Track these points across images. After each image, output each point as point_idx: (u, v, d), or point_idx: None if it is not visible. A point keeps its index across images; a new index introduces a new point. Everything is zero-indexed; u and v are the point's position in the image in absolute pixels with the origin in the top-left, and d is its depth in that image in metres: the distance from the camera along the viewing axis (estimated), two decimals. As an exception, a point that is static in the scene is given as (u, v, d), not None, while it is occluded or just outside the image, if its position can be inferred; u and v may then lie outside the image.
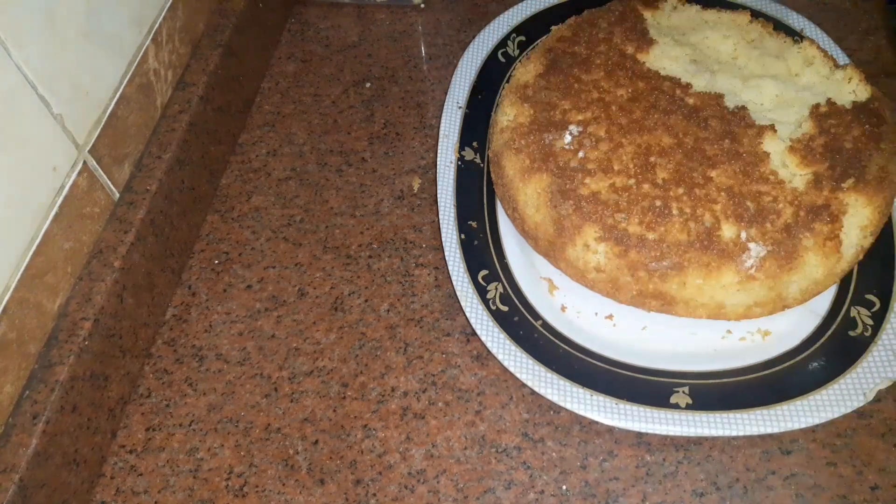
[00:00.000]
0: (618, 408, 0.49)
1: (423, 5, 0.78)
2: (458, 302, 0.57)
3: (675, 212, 0.51)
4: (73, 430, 0.48)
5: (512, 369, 0.51)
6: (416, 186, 0.65)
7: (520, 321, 0.53)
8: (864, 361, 0.50)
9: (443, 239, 0.57)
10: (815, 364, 0.51)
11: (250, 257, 0.61)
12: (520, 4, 0.71)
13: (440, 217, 0.58)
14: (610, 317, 0.55)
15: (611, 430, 0.51)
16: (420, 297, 0.58)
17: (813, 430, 0.50)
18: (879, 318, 0.52)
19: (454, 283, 0.55)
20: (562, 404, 0.49)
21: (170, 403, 0.54)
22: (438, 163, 0.61)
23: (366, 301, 0.58)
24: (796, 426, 0.47)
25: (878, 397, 0.50)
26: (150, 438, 0.52)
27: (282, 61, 0.75)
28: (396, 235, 0.62)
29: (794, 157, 0.53)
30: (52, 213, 0.49)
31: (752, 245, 0.49)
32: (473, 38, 0.69)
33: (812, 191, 0.51)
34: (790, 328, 0.53)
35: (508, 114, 0.58)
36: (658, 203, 0.51)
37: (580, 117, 0.56)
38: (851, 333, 0.51)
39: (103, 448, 0.51)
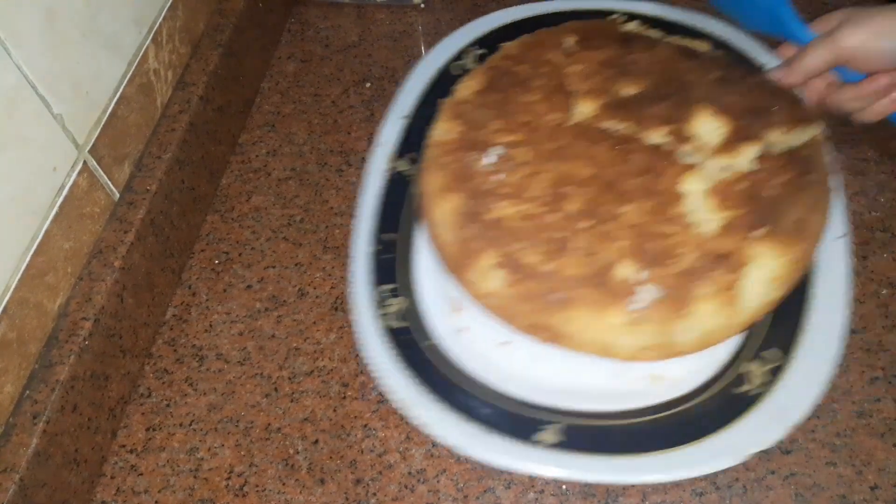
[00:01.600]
0: (484, 439, 0.48)
1: (423, 5, 0.78)
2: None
3: (574, 245, 0.50)
4: (74, 430, 0.48)
5: (387, 389, 0.51)
6: (416, 186, 0.65)
7: (410, 340, 0.53)
8: (746, 420, 0.48)
9: (351, 248, 0.57)
10: (693, 418, 0.48)
11: (250, 257, 0.61)
12: (485, 17, 0.70)
13: (354, 226, 0.58)
14: (506, 343, 0.53)
15: (611, 429, 0.51)
16: (420, 297, 0.58)
17: (812, 429, 0.50)
18: (775, 377, 0.49)
19: (351, 295, 0.55)
20: (427, 428, 0.49)
21: (170, 403, 0.54)
22: (368, 171, 0.61)
23: (366, 301, 0.58)
24: (657, 479, 0.46)
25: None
26: (151, 438, 0.52)
27: (282, 61, 0.75)
28: (396, 235, 0.62)
29: (713, 201, 0.50)
30: (52, 213, 0.49)
31: (644, 287, 0.48)
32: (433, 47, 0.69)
33: (720, 237, 0.49)
34: (684, 376, 0.51)
35: (439, 129, 0.57)
36: (560, 235, 0.50)
37: (507, 139, 0.55)
38: (741, 389, 0.49)
39: (103, 448, 0.51)
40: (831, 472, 0.48)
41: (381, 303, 0.55)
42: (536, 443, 0.48)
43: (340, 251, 0.61)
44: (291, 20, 0.79)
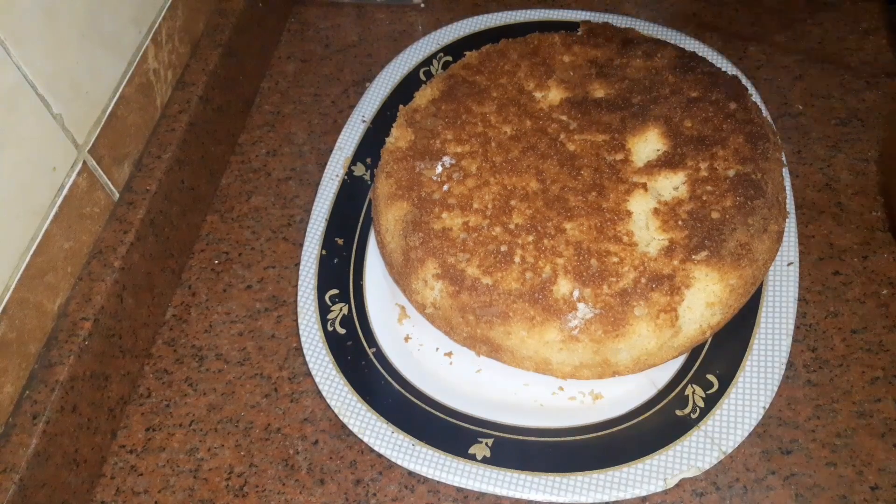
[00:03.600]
0: (413, 449, 0.48)
1: (423, 5, 0.78)
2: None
3: (516, 259, 0.49)
4: (73, 430, 0.48)
5: (325, 393, 0.51)
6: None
7: (352, 346, 0.53)
8: (679, 445, 0.47)
9: (302, 252, 0.57)
10: (631, 438, 0.48)
11: (250, 257, 0.61)
12: (455, 24, 0.70)
13: (307, 229, 0.58)
14: (449, 354, 0.53)
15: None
16: (420, 297, 0.58)
17: (813, 429, 0.50)
18: (713, 402, 0.48)
19: (298, 298, 0.55)
20: (360, 436, 0.49)
21: (170, 403, 0.54)
22: (324, 175, 0.61)
23: (366, 301, 0.58)
24: (582, 500, 0.45)
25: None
26: (150, 438, 0.52)
27: (282, 61, 0.75)
28: (396, 235, 0.62)
29: (657, 221, 0.50)
30: (52, 213, 0.49)
31: (581, 305, 0.47)
32: (399, 53, 0.69)
33: (663, 258, 0.49)
34: (623, 395, 0.50)
35: (393, 136, 0.58)
36: (502, 248, 0.50)
37: (458, 149, 0.55)
38: (678, 413, 0.48)
39: (103, 448, 0.51)
40: (831, 472, 0.48)
41: (326, 307, 0.55)
42: (469, 456, 0.47)
43: (340, 251, 0.61)
44: (291, 20, 0.79)
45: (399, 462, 0.48)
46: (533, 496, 0.46)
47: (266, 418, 0.53)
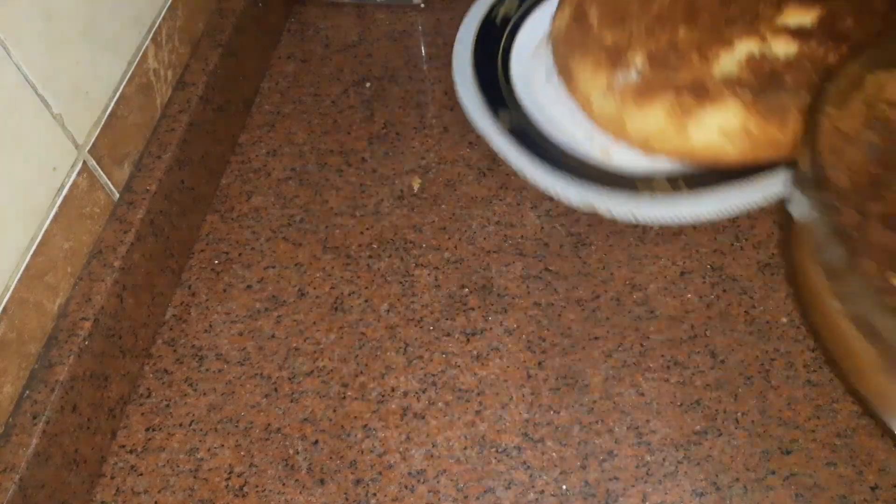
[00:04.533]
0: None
1: (423, 5, 0.78)
2: (457, 300, 0.57)
3: (623, 27, 0.59)
4: (73, 430, 0.48)
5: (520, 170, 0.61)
6: (416, 186, 0.65)
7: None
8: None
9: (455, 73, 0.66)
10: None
11: (250, 257, 0.61)
12: None
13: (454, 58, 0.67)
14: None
15: (611, 429, 0.51)
16: (420, 297, 0.58)
17: (813, 429, 0.50)
18: None
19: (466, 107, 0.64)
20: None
21: (170, 403, 0.54)
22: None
23: (366, 301, 0.58)
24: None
25: None
26: (150, 438, 0.52)
27: (282, 61, 0.75)
28: (396, 235, 0.62)
29: (745, 62, 0.56)
30: (52, 213, 0.49)
31: (633, 72, 0.56)
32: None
33: (718, 81, 0.55)
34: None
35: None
36: (624, 18, 0.59)
37: None
38: None
39: (103, 448, 0.51)
40: (832, 472, 0.48)
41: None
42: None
43: (340, 251, 0.61)
44: (291, 20, 0.79)
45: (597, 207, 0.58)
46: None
47: (266, 418, 0.53)
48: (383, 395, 0.53)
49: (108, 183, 0.55)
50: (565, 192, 0.59)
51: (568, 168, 0.60)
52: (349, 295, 0.59)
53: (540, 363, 0.54)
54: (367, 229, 0.62)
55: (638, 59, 0.57)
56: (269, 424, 0.53)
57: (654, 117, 0.57)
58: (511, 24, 0.71)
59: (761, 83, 0.55)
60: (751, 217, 0.59)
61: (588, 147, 0.62)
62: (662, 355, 0.53)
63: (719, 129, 0.55)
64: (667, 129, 0.57)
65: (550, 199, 0.62)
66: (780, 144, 0.55)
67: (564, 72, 0.63)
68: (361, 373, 0.54)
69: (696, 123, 0.56)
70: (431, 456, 0.51)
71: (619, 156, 0.61)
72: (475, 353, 0.55)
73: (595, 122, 0.62)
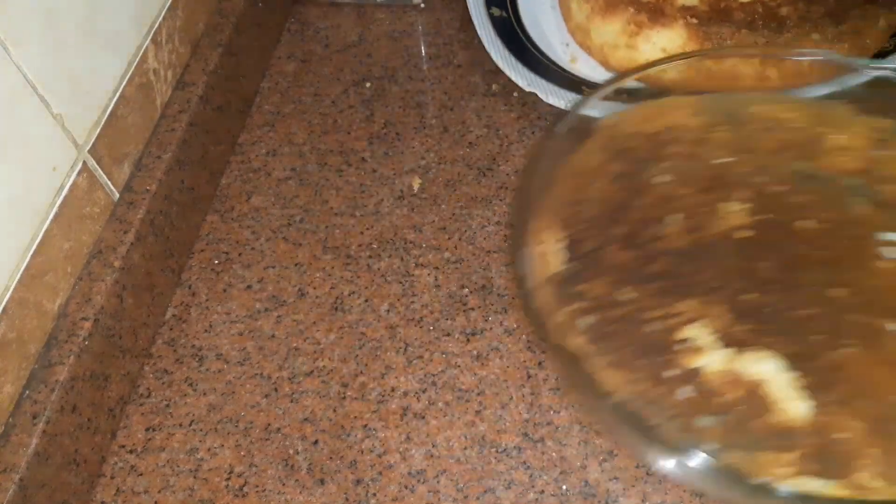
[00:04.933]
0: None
1: (422, 5, 0.78)
2: (457, 300, 0.57)
3: None
4: (73, 430, 0.48)
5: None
6: (416, 186, 0.65)
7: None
8: None
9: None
10: None
11: (250, 257, 0.61)
12: None
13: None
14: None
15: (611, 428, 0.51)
16: (420, 297, 0.58)
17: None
18: None
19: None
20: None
21: (170, 403, 0.54)
22: None
23: (366, 301, 0.58)
24: None
25: None
26: (150, 438, 0.52)
27: (281, 61, 0.75)
28: (396, 235, 0.62)
29: None
30: (52, 213, 0.49)
31: None
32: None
33: (704, 1, 0.61)
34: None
35: None
36: None
37: None
38: None
39: (103, 448, 0.51)
40: (831, 472, 0.48)
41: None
42: None
43: (340, 251, 0.61)
44: (291, 20, 0.79)
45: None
46: None
47: (266, 418, 0.53)
48: (383, 395, 0.53)
49: (108, 183, 0.55)
50: (523, 81, 0.65)
51: (536, 65, 0.67)
52: (349, 295, 0.59)
53: (540, 363, 0.54)
54: (367, 229, 0.62)
55: None
56: (269, 424, 0.53)
57: (611, 30, 0.63)
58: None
59: (711, 14, 0.60)
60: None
61: (561, 53, 0.70)
62: (662, 355, 0.53)
63: (662, 49, 0.61)
64: (618, 42, 0.63)
65: (550, 199, 0.62)
66: (711, 73, 0.58)
67: None
68: (361, 373, 0.54)
69: (644, 41, 0.62)
70: (431, 456, 0.51)
71: (583, 65, 0.68)
72: (475, 352, 0.55)
73: (569, 28, 0.71)
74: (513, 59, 0.68)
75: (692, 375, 0.42)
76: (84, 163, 0.52)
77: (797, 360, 0.42)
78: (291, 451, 0.51)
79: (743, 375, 0.42)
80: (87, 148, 0.52)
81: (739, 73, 0.63)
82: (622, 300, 0.45)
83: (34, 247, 0.47)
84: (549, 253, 0.48)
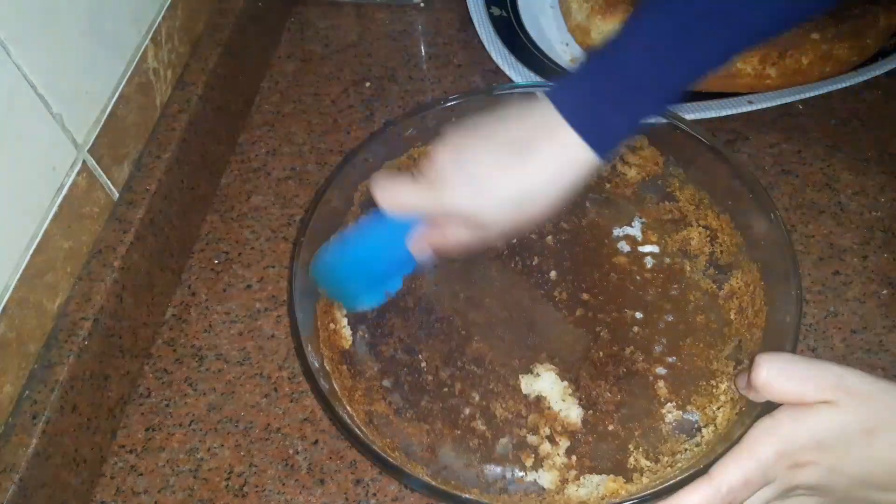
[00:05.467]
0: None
1: (422, 4, 0.78)
2: (458, 302, 0.57)
3: None
4: (73, 430, 0.48)
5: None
6: (415, 186, 0.65)
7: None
8: None
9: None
10: None
11: (250, 257, 0.61)
12: None
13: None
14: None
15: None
16: (420, 297, 0.58)
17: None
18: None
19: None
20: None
21: (170, 403, 0.54)
22: None
23: (366, 301, 0.58)
24: None
25: None
26: (150, 438, 0.52)
27: (282, 61, 0.75)
28: (396, 235, 0.62)
29: None
30: (52, 212, 0.49)
31: None
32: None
33: None
34: None
35: None
36: None
37: None
38: None
39: (103, 448, 0.51)
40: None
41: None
42: None
43: (340, 251, 0.61)
44: (291, 20, 0.79)
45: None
46: None
47: (266, 418, 0.53)
48: (383, 395, 0.53)
49: (108, 183, 0.55)
50: (523, 81, 0.66)
51: (536, 65, 0.68)
52: (349, 295, 0.58)
53: (540, 363, 0.54)
54: (367, 229, 0.62)
55: None
56: (269, 424, 0.53)
57: (611, 29, 0.62)
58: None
59: None
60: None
61: (560, 52, 0.71)
62: (662, 355, 0.53)
63: None
64: None
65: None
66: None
67: None
68: (361, 373, 0.54)
69: None
70: (431, 456, 0.50)
71: None
72: (475, 352, 0.55)
73: (569, 28, 0.71)
74: (512, 59, 0.68)
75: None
76: (84, 162, 0.52)
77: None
78: (291, 451, 0.51)
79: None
80: (87, 147, 0.52)
81: (738, 72, 0.64)
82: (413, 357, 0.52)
83: (34, 246, 0.47)
84: (339, 329, 0.53)
